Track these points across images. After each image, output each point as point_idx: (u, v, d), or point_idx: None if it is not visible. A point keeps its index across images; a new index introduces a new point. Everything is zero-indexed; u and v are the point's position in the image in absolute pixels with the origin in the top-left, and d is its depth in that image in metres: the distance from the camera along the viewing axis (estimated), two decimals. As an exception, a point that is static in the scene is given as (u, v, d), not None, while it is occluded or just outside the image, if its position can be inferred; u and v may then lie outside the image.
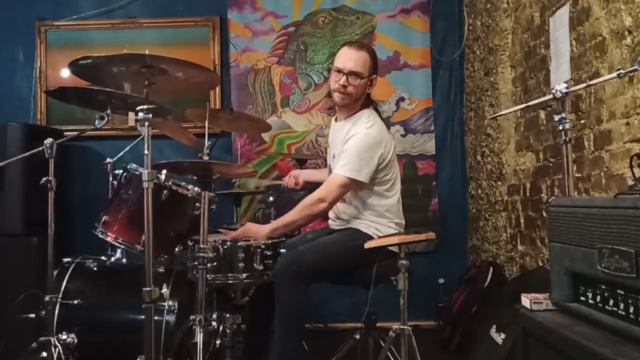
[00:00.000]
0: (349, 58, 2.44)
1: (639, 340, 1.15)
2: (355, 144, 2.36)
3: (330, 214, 2.57)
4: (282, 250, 2.42)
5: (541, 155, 2.79)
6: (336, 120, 2.61)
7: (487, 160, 3.55)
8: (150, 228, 1.88)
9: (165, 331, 2.37)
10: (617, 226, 1.21)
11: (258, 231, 2.42)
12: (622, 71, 1.55)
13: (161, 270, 2.56)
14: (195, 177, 2.37)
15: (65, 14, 4.02)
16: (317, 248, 2.38)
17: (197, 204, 2.59)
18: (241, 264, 2.35)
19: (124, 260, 2.75)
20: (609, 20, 2.06)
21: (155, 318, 1.95)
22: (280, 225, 2.42)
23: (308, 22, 4.02)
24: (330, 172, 2.52)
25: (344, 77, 2.41)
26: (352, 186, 2.39)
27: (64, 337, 2.39)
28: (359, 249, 2.11)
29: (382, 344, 2.22)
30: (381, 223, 2.42)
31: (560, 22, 2.49)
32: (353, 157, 2.34)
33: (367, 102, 2.51)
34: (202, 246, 2.22)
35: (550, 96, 1.73)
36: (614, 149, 2.05)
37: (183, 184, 2.65)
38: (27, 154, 2.30)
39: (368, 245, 2.06)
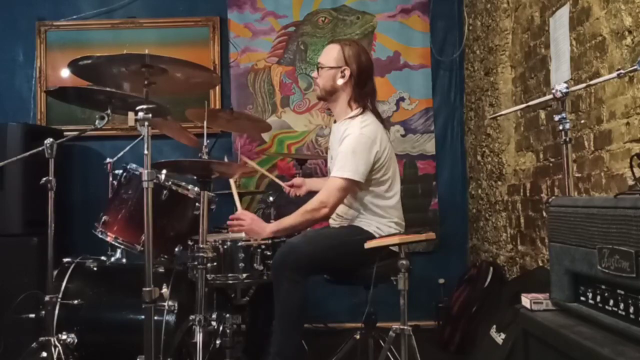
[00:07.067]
0: (322, 53, 2.58)
1: (639, 340, 1.15)
2: (349, 144, 2.37)
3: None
4: (282, 250, 2.42)
5: (541, 155, 2.79)
6: (335, 121, 2.62)
7: (487, 160, 3.55)
8: (150, 228, 1.88)
9: (165, 331, 2.36)
10: (617, 226, 1.21)
11: (259, 233, 2.41)
12: (622, 71, 1.55)
13: (161, 270, 2.56)
14: (195, 177, 2.37)
15: (65, 14, 4.02)
16: (315, 239, 2.38)
17: (197, 204, 2.59)
18: (241, 264, 2.35)
19: (124, 260, 2.75)
20: (609, 20, 2.06)
21: (155, 318, 1.94)
22: (281, 228, 2.41)
23: (308, 22, 4.02)
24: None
25: (315, 71, 2.55)
26: (351, 187, 2.39)
27: (64, 337, 2.39)
28: (358, 245, 2.10)
29: (382, 344, 2.21)
30: (381, 222, 2.43)
31: (560, 22, 2.49)
32: (348, 158, 2.35)
33: (362, 102, 2.49)
34: (201, 246, 2.22)
35: (551, 96, 1.73)
36: (614, 149, 2.05)
37: (183, 183, 2.65)
38: (27, 154, 2.30)
39: (368, 245, 2.06)
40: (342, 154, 2.37)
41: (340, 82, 2.47)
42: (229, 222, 2.49)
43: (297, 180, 2.88)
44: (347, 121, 2.47)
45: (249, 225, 2.44)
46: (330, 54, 2.50)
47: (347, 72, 2.47)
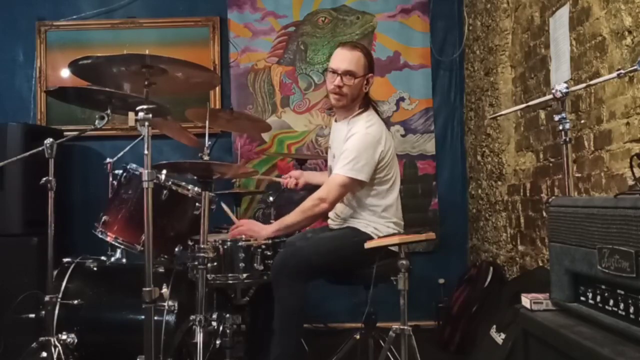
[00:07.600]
0: (342, 58, 2.46)
1: (639, 340, 1.15)
2: (354, 143, 2.37)
3: (330, 214, 2.57)
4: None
5: (541, 155, 2.79)
6: (336, 120, 2.61)
7: (487, 160, 3.55)
8: (150, 228, 1.88)
9: (165, 331, 2.36)
10: (617, 226, 1.21)
11: (259, 232, 2.42)
12: (622, 71, 1.55)
13: (161, 270, 2.56)
14: (195, 177, 2.37)
15: (65, 14, 4.02)
16: (315, 244, 2.39)
17: (197, 204, 2.59)
18: (241, 264, 2.35)
19: (124, 260, 2.75)
20: (609, 20, 2.06)
21: (155, 318, 1.94)
22: (282, 226, 2.41)
23: (308, 22, 4.02)
24: (330, 173, 2.52)
25: (339, 78, 2.42)
26: (353, 186, 2.39)
27: (64, 337, 2.39)
28: (356, 247, 2.11)
29: (382, 344, 2.22)
30: (379, 223, 2.42)
31: (560, 22, 2.49)
32: (353, 156, 2.35)
33: (365, 102, 2.51)
34: (202, 246, 2.22)
35: (550, 96, 1.73)
36: (614, 149, 2.05)
37: (183, 184, 2.65)
38: (27, 154, 2.30)
39: (368, 245, 2.06)
40: (348, 151, 2.37)
41: (366, 89, 2.48)
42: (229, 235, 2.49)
43: (294, 172, 2.89)
44: (353, 119, 2.47)
45: (247, 225, 2.47)
46: (359, 62, 2.45)
47: (372, 79, 2.50)
